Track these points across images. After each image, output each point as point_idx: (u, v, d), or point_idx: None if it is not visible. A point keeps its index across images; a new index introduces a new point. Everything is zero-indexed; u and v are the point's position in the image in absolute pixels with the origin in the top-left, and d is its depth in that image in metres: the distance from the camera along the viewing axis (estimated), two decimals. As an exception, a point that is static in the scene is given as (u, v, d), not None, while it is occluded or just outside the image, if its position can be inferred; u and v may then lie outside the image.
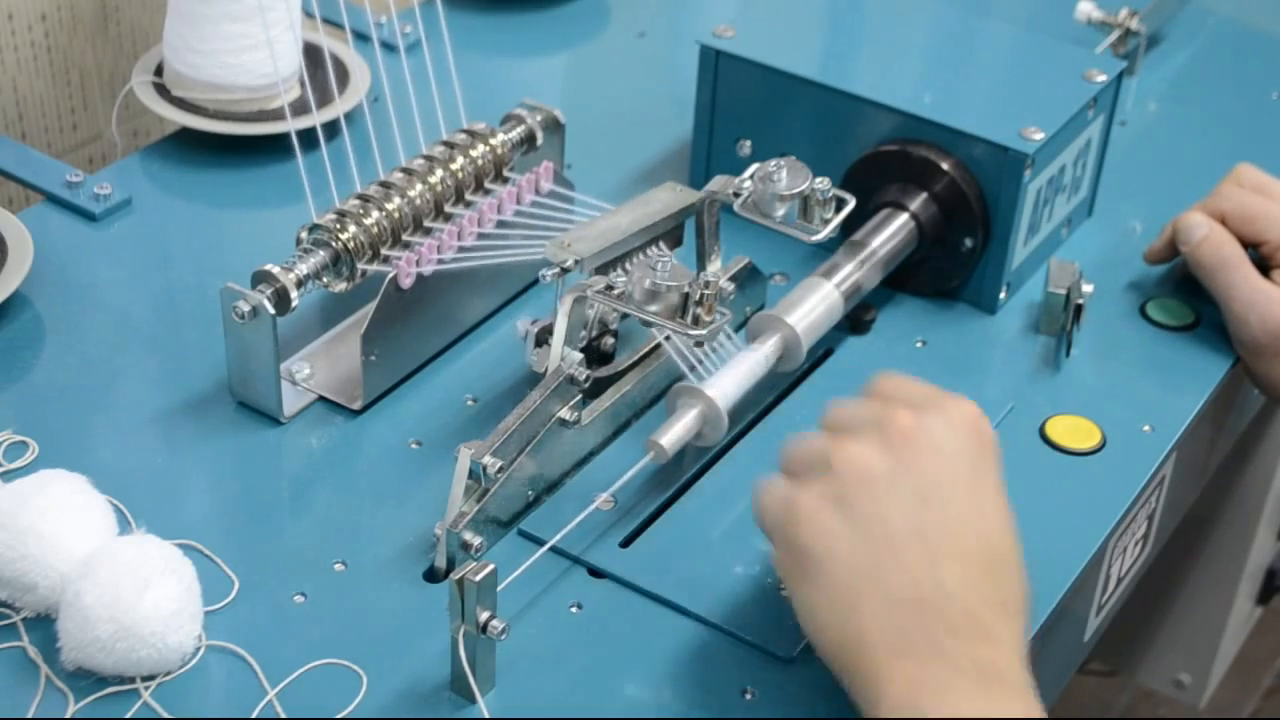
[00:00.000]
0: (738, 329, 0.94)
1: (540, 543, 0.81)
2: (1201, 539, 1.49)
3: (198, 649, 0.75)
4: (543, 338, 0.86)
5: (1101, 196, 1.08)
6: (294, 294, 0.85)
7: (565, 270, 0.84)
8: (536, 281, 0.96)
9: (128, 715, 0.72)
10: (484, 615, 0.72)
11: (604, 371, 0.87)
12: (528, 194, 0.94)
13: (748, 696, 0.75)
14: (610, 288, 0.84)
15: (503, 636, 0.72)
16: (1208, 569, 1.51)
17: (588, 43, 1.25)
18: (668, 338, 0.86)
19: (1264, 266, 0.97)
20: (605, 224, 0.87)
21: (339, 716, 0.73)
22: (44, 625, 0.75)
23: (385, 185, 0.90)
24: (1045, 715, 0.65)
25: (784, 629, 0.77)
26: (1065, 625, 0.90)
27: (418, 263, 0.88)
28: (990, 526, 0.68)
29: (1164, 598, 1.54)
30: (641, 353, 0.89)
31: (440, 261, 0.89)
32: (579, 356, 0.83)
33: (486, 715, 0.73)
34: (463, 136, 0.95)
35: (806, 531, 0.68)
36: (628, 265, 0.88)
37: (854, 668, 0.67)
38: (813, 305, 0.91)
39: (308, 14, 1.00)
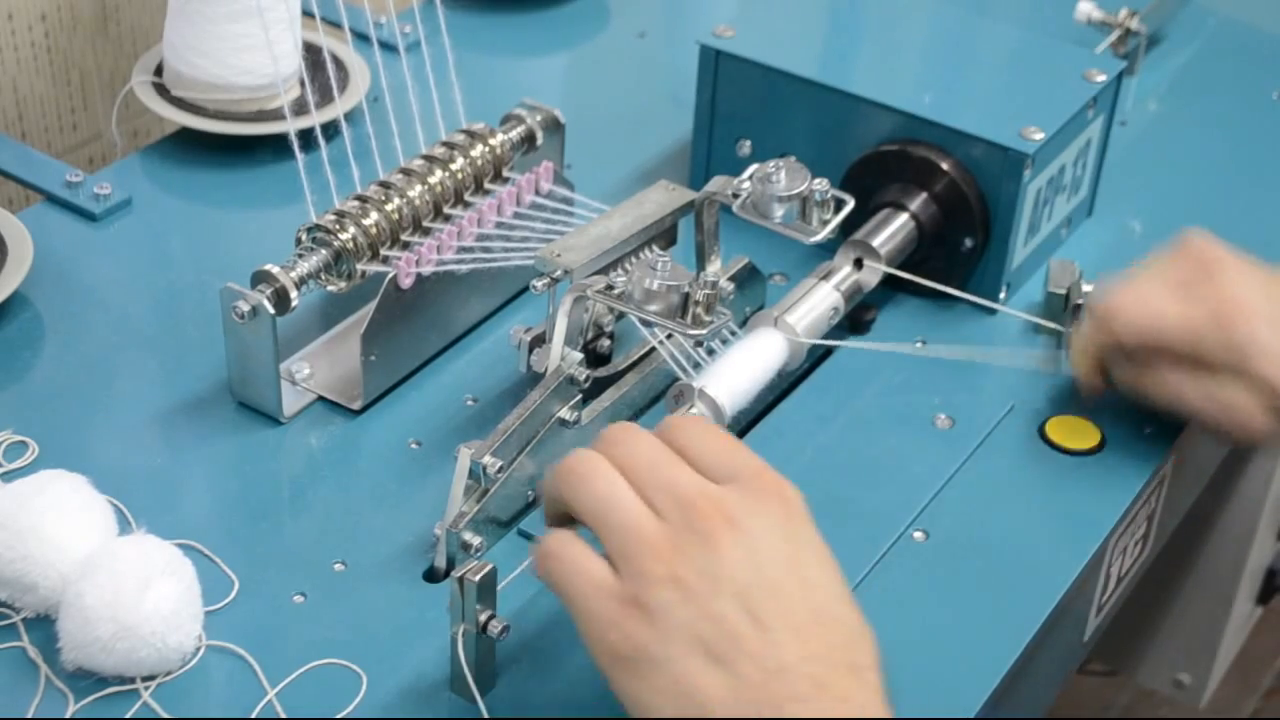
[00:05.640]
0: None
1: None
2: (1201, 539, 1.49)
3: (198, 649, 0.75)
4: (536, 345, 0.87)
5: (1101, 196, 1.08)
6: (294, 294, 0.85)
7: (555, 280, 0.84)
8: (536, 281, 0.96)
9: (128, 715, 0.72)
10: (484, 615, 0.72)
11: (604, 371, 0.87)
12: (527, 194, 0.94)
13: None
14: (610, 288, 0.85)
15: (503, 636, 0.72)
16: (1208, 569, 1.51)
17: (588, 43, 1.25)
18: (667, 338, 0.86)
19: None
20: (597, 230, 0.87)
21: (339, 716, 0.73)
22: (44, 625, 0.75)
23: (385, 185, 0.90)
24: None
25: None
26: (1065, 625, 0.90)
27: (417, 263, 0.88)
28: (820, 595, 0.67)
29: (1164, 598, 1.54)
30: (641, 353, 0.89)
31: (440, 262, 0.89)
32: (579, 356, 0.83)
33: (486, 715, 0.73)
34: (462, 137, 0.95)
35: (629, 637, 0.66)
36: (627, 265, 0.88)
37: None
38: (813, 305, 0.91)
39: (308, 14, 1.01)
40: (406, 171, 0.92)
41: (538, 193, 0.94)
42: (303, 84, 1.09)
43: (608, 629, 0.66)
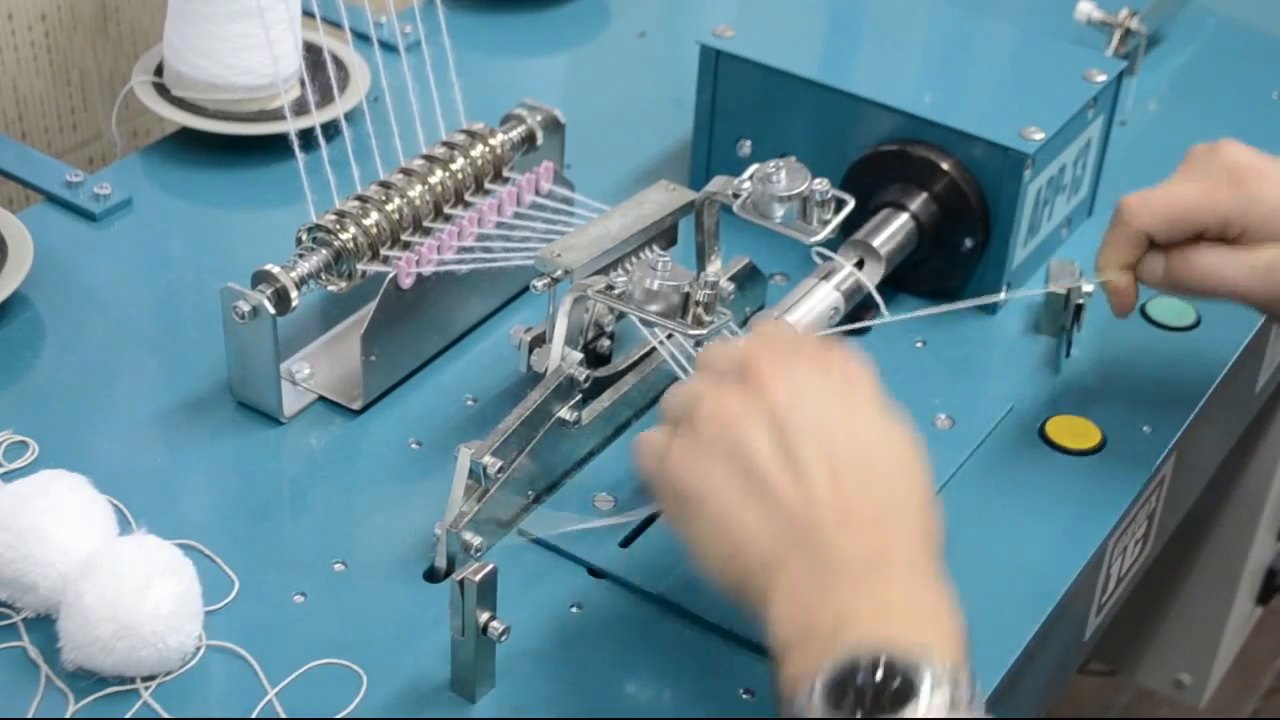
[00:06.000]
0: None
1: (540, 543, 0.81)
2: (1201, 539, 1.49)
3: (198, 649, 0.75)
4: (536, 345, 0.87)
5: (1101, 196, 1.08)
6: (294, 294, 0.85)
7: (555, 280, 0.84)
8: (536, 281, 0.96)
9: (128, 715, 0.72)
10: (484, 616, 0.72)
11: (604, 372, 0.87)
12: (527, 194, 0.94)
13: (747, 697, 0.75)
14: (610, 288, 0.85)
15: (503, 637, 0.72)
16: (1208, 569, 1.51)
17: (588, 43, 1.25)
18: (668, 338, 0.86)
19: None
20: (597, 230, 0.87)
21: (339, 716, 0.73)
22: (44, 625, 0.75)
23: (385, 185, 0.90)
24: (950, 603, 0.66)
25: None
26: (1065, 625, 0.90)
27: (418, 263, 0.88)
28: (866, 441, 0.69)
29: (1164, 598, 1.54)
30: (641, 353, 0.89)
31: (440, 262, 0.89)
32: (579, 356, 0.83)
33: (486, 715, 0.73)
34: (462, 137, 0.95)
35: (680, 475, 0.70)
36: (628, 265, 0.88)
37: (743, 584, 0.68)
38: (813, 305, 0.91)
39: (308, 14, 1.00)
40: (407, 171, 0.92)
41: (538, 193, 0.94)
42: (303, 84, 1.09)
43: (664, 477, 0.70)
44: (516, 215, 0.93)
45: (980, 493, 0.87)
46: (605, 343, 0.90)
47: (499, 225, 0.92)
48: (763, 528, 0.67)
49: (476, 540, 0.79)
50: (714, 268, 0.92)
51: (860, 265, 0.94)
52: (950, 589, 0.66)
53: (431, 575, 0.80)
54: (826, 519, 0.66)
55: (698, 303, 0.82)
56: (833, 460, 0.67)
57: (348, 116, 1.01)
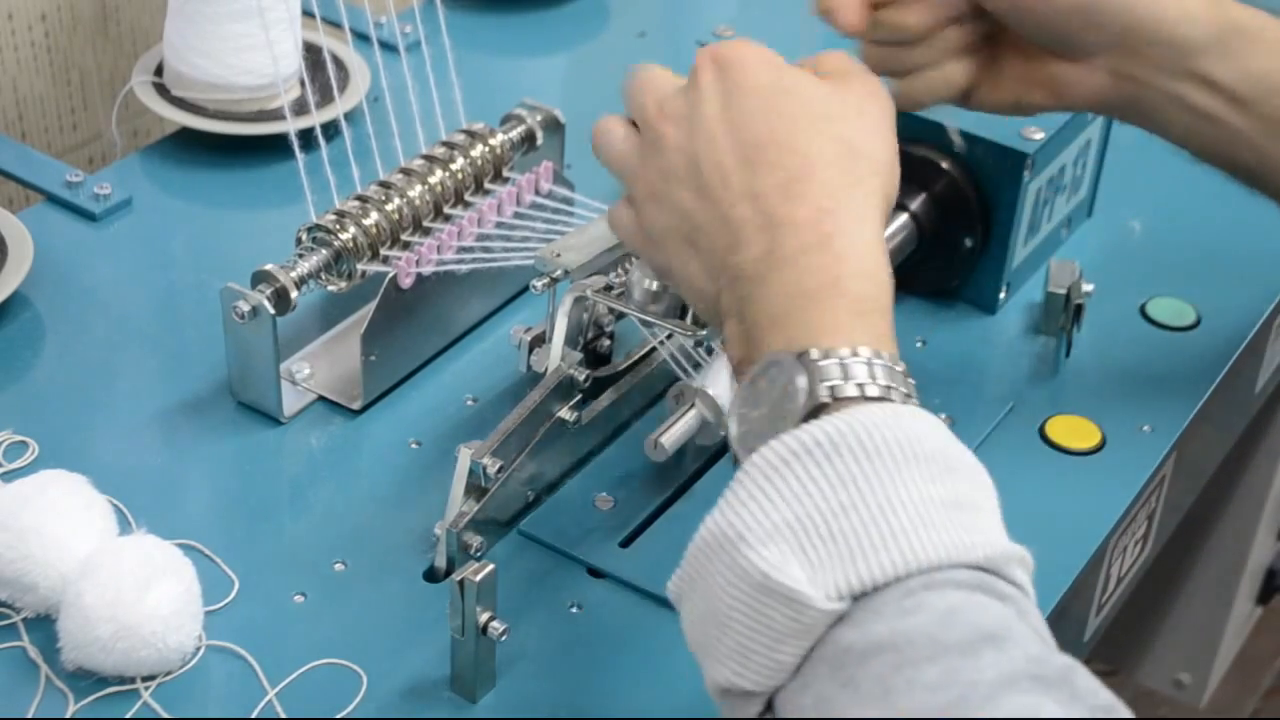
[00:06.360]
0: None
1: (540, 543, 0.81)
2: (1201, 539, 1.49)
3: (198, 649, 0.75)
4: (536, 345, 0.87)
5: (1101, 196, 1.08)
6: (294, 294, 0.85)
7: (555, 280, 0.84)
8: (536, 281, 0.96)
9: (128, 715, 0.72)
10: (484, 616, 0.72)
11: (604, 372, 0.87)
12: (527, 194, 0.94)
13: (748, 696, 0.75)
14: (610, 288, 0.85)
15: (503, 637, 0.72)
16: (1208, 569, 1.51)
17: (588, 43, 1.25)
18: (666, 339, 0.86)
19: None
20: (597, 230, 0.87)
21: (339, 716, 0.73)
22: (44, 625, 0.75)
23: (385, 185, 0.90)
24: (870, 278, 0.66)
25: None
26: (1065, 625, 0.90)
27: (417, 263, 0.88)
28: (756, 137, 0.68)
29: (1164, 598, 1.54)
30: (641, 353, 0.89)
31: (440, 262, 0.89)
32: (579, 356, 0.83)
33: (486, 715, 0.73)
34: (462, 137, 0.95)
35: (639, 248, 0.72)
36: (628, 265, 0.88)
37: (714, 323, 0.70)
38: (813, 305, 0.90)
39: (308, 14, 1.01)
40: (406, 171, 0.92)
41: (538, 193, 0.94)
42: (303, 84, 1.09)
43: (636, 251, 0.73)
44: (516, 215, 0.93)
45: (980, 493, 0.87)
46: (605, 343, 0.90)
47: (499, 225, 0.92)
48: (701, 273, 0.68)
49: (476, 540, 0.79)
50: (714, 268, 0.92)
51: None
52: (883, 257, 0.66)
53: (431, 575, 0.80)
54: (739, 238, 0.66)
55: (698, 303, 0.82)
56: (728, 177, 0.67)
57: (347, 116, 1.01)
